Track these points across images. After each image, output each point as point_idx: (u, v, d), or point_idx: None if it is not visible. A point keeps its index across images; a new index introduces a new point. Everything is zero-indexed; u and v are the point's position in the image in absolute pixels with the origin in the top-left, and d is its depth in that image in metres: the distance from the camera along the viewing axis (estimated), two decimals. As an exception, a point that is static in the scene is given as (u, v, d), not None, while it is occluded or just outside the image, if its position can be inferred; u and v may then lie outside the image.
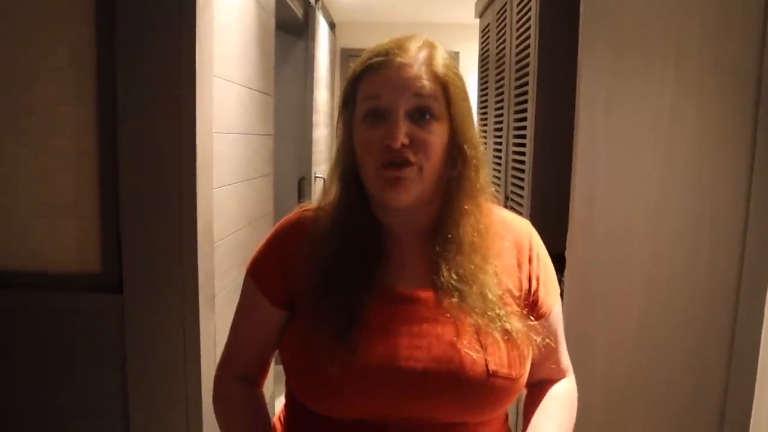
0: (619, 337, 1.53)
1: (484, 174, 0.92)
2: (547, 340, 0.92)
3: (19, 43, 1.66)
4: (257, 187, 2.44)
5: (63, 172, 1.70)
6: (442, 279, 0.87)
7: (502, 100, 2.66)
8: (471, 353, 0.83)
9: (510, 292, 0.91)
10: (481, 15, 3.41)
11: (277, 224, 1.00)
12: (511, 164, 2.43)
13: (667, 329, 1.51)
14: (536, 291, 0.94)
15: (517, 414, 2.18)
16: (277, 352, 1.00)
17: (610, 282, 1.52)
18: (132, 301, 1.69)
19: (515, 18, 2.39)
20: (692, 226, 1.48)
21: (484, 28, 3.28)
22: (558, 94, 1.98)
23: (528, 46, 2.16)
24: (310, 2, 3.68)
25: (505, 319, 0.86)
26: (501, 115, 2.67)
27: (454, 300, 0.86)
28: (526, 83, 2.17)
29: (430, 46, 0.91)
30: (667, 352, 1.52)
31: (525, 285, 0.93)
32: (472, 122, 0.92)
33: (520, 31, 2.29)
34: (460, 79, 0.91)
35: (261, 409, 1.01)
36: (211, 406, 1.05)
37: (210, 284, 1.80)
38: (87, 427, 1.74)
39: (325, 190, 0.97)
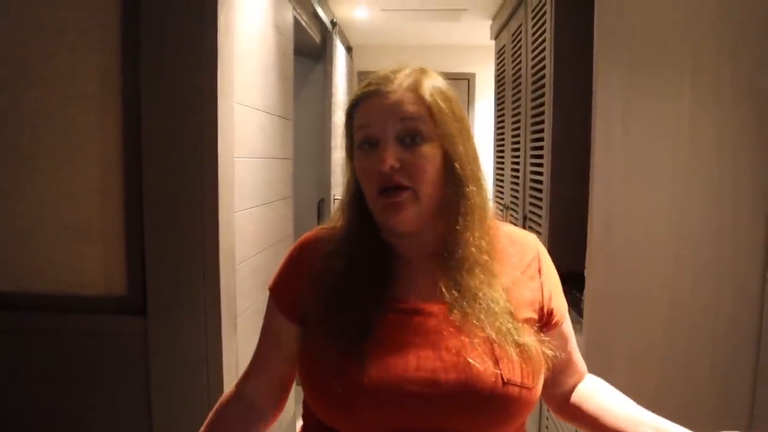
0: (642, 354, 1.51)
1: (479, 190, 0.93)
2: (561, 354, 0.94)
3: (49, 73, 1.72)
4: (277, 210, 2.47)
5: (89, 196, 1.74)
6: (446, 295, 0.88)
7: (519, 120, 2.67)
8: (484, 363, 0.83)
9: (522, 306, 0.92)
10: (496, 36, 3.44)
11: (295, 243, 1.03)
12: (529, 184, 2.43)
13: (691, 344, 1.50)
14: (549, 301, 0.96)
15: (540, 426, 2.16)
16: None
17: (630, 299, 1.51)
18: (156, 322, 1.71)
19: (530, 39, 2.41)
20: (714, 240, 1.47)
21: (500, 50, 3.31)
22: (574, 113, 1.99)
23: (544, 67, 2.17)
24: (327, 27, 3.75)
25: (515, 333, 0.86)
26: (518, 135, 2.68)
27: (460, 314, 0.87)
28: (543, 103, 2.18)
29: (420, 73, 0.93)
30: (691, 368, 1.50)
31: (538, 296, 0.95)
32: (465, 140, 0.92)
33: (536, 51, 2.31)
34: (449, 99, 0.92)
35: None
36: None
37: (232, 306, 1.82)
38: (112, 448, 1.76)
39: (338, 212, 1.00)
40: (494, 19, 3.56)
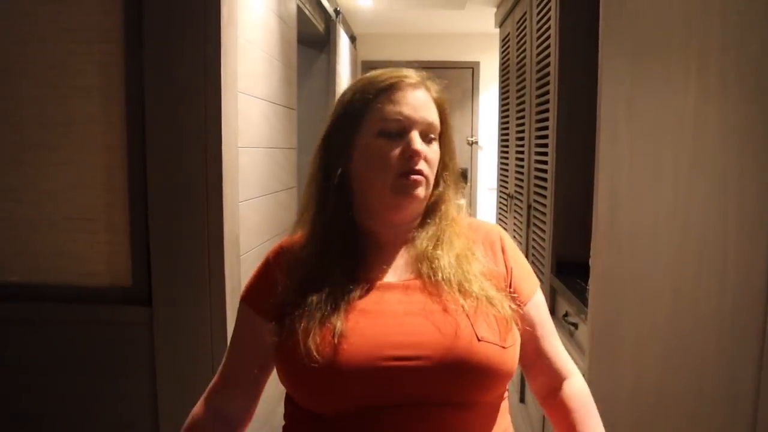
0: (647, 345, 1.51)
1: (456, 183, 1.05)
2: (536, 330, 1.00)
3: (53, 64, 1.71)
4: (281, 200, 2.47)
5: (93, 187, 1.75)
6: (420, 266, 0.95)
7: (523, 109, 2.66)
8: (459, 323, 0.88)
9: (490, 275, 0.97)
10: (500, 24, 3.42)
11: (269, 251, 1.06)
12: (534, 173, 2.43)
13: (697, 335, 1.50)
14: (511, 278, 1.00)
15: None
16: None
17: (636, 289, 1.50)
18: (161, 313, 1.72)
19: (535, 27, 2.39)
20: (719, 230, 1.47)
21: (505, 38, 3.29)
22: (579, 101, 1.98)
23: (548, 55, 2.16)
24: (331, 16, 3.73)
25: (487, 289, 0.92)
26: (522, 123, 2.67)
27: (433, 282, 0.92)
28: (548, 92, 2.17)
29: (424, 74, 1.02)
30: (697, 359, 1.50)
31: (502, 271, 1.00)
32: (452, 143, 1.05)
33: (541, 39, 2.30)
34: (447, 102, 1.03)
35: None
36: None
37: (237, 296, 1.82)
38: (119, 437, 1.78)
39: (304, 209, 1.03)
40: (498, 6, 3.54)
